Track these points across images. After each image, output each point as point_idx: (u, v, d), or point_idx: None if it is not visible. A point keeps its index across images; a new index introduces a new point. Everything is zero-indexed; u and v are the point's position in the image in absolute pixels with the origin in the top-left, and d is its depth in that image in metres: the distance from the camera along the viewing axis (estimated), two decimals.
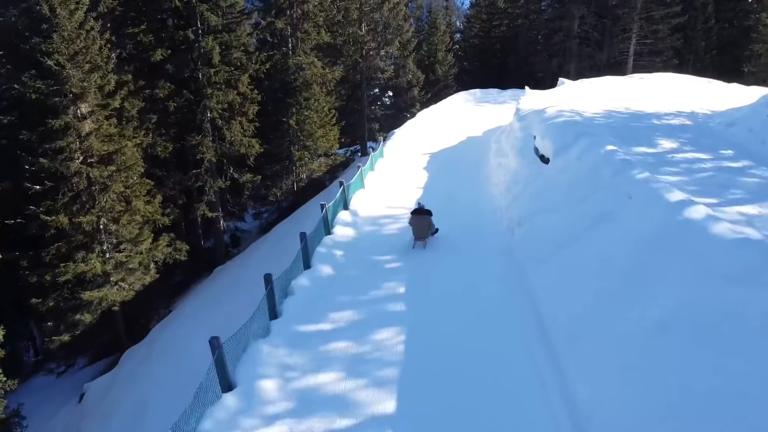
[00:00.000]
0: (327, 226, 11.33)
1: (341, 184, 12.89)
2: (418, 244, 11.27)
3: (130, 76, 19.31)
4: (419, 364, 7.07)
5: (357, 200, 13.85)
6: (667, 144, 12.06)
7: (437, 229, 11.57)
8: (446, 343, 7.51)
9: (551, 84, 37.81)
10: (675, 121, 15.43)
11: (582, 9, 36.31)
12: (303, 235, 9.48)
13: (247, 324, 7.25)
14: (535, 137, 14.87)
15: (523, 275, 8.97)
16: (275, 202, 25.96)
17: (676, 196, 7.39)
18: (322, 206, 11.24)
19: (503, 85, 36.73)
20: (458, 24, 56.99)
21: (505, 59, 41.98)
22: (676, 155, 10.85)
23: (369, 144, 31.39)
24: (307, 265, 9.67)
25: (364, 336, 7.73)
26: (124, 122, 19.48)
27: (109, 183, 17.09)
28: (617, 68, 37.44)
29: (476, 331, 7.70)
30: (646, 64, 35.86)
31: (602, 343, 6.13)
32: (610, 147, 10.49)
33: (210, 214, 22.31)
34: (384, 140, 21.50)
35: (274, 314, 7.83)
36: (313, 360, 7.28)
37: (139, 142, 18.51)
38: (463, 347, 7.38)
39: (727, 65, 37.49)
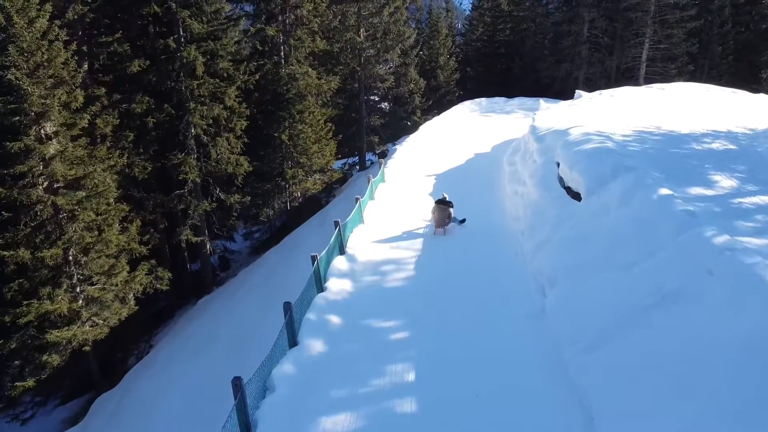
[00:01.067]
0: (319, 282, 9.45)
1: (336, 224, 10.99)
2: (438, 231, 12.80)
3: (103, 90, 17.44)
4: None
5: (355, 240, 11.97)
6: (724, 181, 10.17)
7: (464, 219, 13.19)
8: None
9: (560, 90, 36.04)
10: (716, 145, 13.57)
11: (593, 12, 34.45)
12: (288, 307, 7.58)
13: None
14: (558, 165, 12.99)
15: (562, 364, 7.07)
16: (267, 222, 24.08)
17: None
18: (313, 258, 9.35)
19: (509, 93, 34.87)
20: (459, 26, 55.12)
21: (510, 65, 40.04)
22: (743, 200, 8.96)
23: (368, 157, 29.52)
24: (293, 341, 7.79)
25: None
26: (98, 141, 17.69)
27: (78, 211, 15.27)
28: (629, 74, 35.67)
29: None
30: (659, 71, 34.04)
31: None
32: (664, 191, 8.57)
33: (194, 239, 20.41)
34: (385, 158, 19.63)
35: (246, 429, 5.93)
36: None
37: (113, 163, 16.60)
38: None
39: (743, 71, 35.75)
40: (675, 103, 20.02)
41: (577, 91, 22.17)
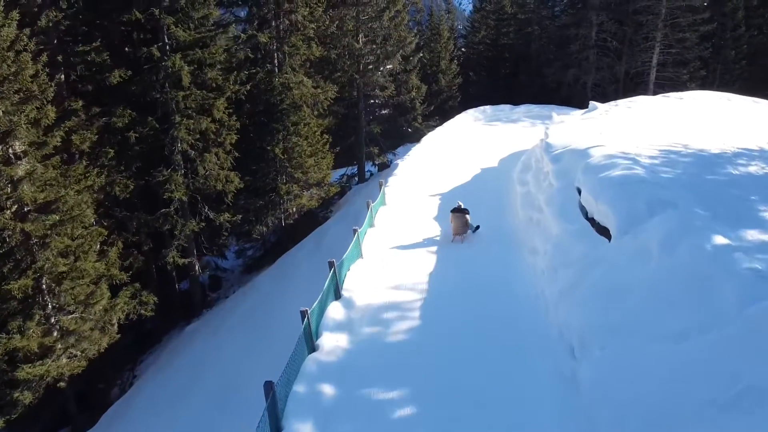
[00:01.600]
0: (309, 340, 8.09)
1: (331, 265, 9.62)
2: (456, 238, 13.00)
3: (80, 103, 16.10)
4: None
5: (353, 279, 10.59)
6: None
7: (478, 226, 13.33)
8: None
9: (567, 96, 34.66)
10: (753, 168, 12.19)
11: (601, 15, 33.07)
12: (269, 387, 6.22)
13: None
14: (580, 191, 11.65)
15: None
16: (261, 239, 22.71)
17: None
18: (303, 314, 7.98)
19: (514, 99, 33.48)
20: (459, 27, 53.62)
21: (515, 69, 38.59)
22: None
23: (368, 168, 28.16)
24: (276, 428, 6.42)
25: None
26: (77, 158, 16.36)
27: (50, 237, 13.96)
28: (638, 80, 34.33)
29: None
30: (670, 76, 32.69)
31: None
32: (719, 239, 7.18)
33: (181, 261, 19.05)
34: (385, 174, 18.28)
35: None
36: None
37: (90, 183, 15.25)
38: None
39: (757, 76, 34.40)
40: (696, 115, 18.68)
41: (591, 102, 20.81)
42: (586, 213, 11.18)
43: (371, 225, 13.33)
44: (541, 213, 12.97)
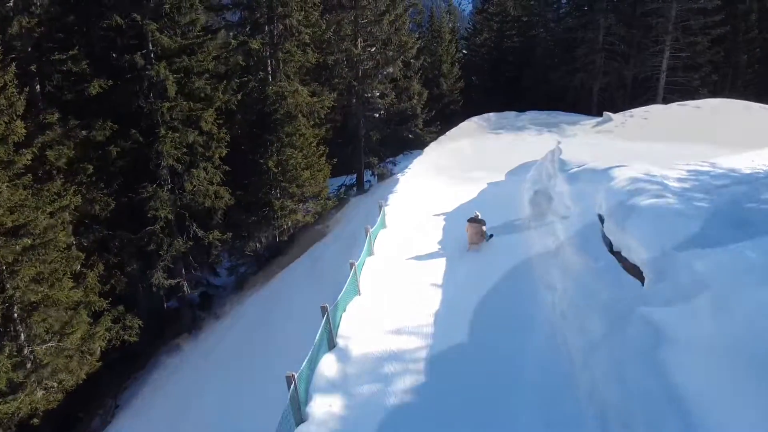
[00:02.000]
0: (297, 410, 6.88)
1: (324, 311, 8.41)
2: (472, 248, 13.15)
3: (55, 116, 14.88)
4: None
5: (349, 321, 9.38)
6: None
7: (491, 235, 13.50)
8: None
9: (573, 102, 33.46)
10: None
11: (610, 18, 31.86)
12: None
13: None
14: (602, 219, 10.46)
15: None
16: (253, 255, 21.48)
17: None
18: (289, 381, 6.77)
19: (519, 104, 32.26)
20: (460, 28, 52.39)
21: (519, 74, 37.28)
22: None
23: (367, 177, 26.91)
24: None
25: None
26: (55, 174, 15.16)
27: (20, 264, 12.78)
28: (647, 85, 33.11)
29: None
30: (681, 81, 31.47)
31: None
32: None
33: (167, 283, 17.84)
34: (386, 191, 17.06)
35: None
36: None
37: (66, 203, 14.01)
38: None
39: None
40: (717, 127, 17.57)
41: (605, 113, 19.67)
42: (611, 244, 9.99)
43: (370, 253, 12.12)
44: (557, 239, 11.79)
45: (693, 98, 26.24)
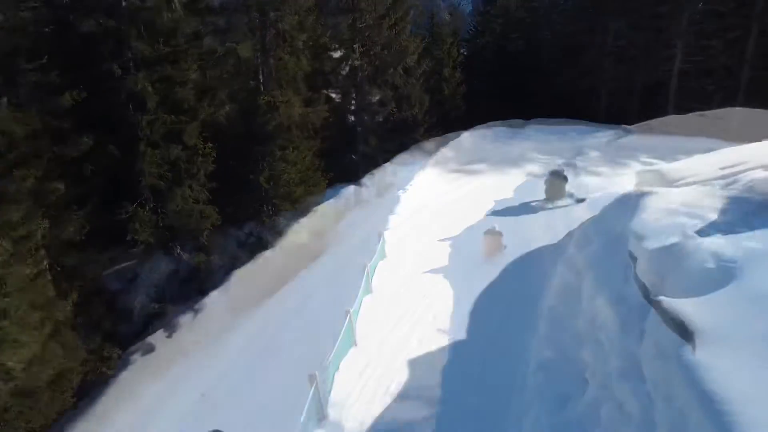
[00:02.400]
0: None
1: (312, 380, 7.06)
2: (488, 259, 12.87)
3: (22, 132, 13.52)
4: None
5: (343, 384, 8.03)
6: None
7: (505, 246, 13.30)
8: None
9: (580, 107, 32.06)
10: None
11: (620, 21, 30.50)
12: None
13: None
14: (636, 262, 9.09)
15: None
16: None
17: None
18: None
19: (523, 110, 30.95)
20: (461, 30, 51.04)
21: (523, 78, 35.85)
22: None
23: (364, 184, 25.55)
24: None
25: None
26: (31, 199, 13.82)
27: None
28: (657, 90, 31.74)
29: None
30: (694, 86, 30.08)
31: None
32: None
33: (152, 307, 16.53)
34: (386, 211, 15.70)
35: None
36: None
37: (24, 234, 12.63)
38: None
39: None
40: (743, 140, 16.17)
41: (623, 126, 18.30)
42: (646, 290, 8.61)
43: (369, 292, 10.79)
44: (579, 276, 10.44)
45: (707, 104, 24.95)
